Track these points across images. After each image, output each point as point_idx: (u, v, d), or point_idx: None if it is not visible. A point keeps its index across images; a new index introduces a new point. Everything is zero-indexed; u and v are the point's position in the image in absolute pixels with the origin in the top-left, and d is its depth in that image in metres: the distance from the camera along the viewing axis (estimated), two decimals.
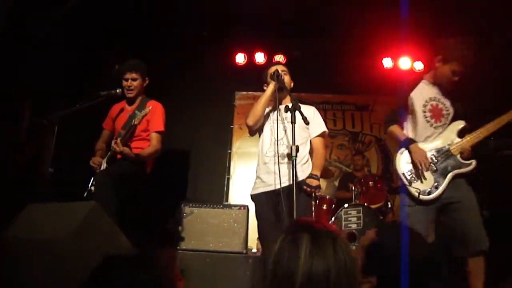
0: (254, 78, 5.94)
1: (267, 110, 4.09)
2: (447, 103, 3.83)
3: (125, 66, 4.50)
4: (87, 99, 4.28)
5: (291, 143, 3.45)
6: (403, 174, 3.74)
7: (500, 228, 5.28)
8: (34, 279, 2.15)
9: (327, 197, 6.50)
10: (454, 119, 3.83)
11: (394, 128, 3.91)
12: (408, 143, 3.74)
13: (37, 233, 2.35)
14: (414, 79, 3.98)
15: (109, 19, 6.35)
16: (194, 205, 5.30)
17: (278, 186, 3.63)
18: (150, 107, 4.23)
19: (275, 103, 3.94)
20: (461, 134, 3.75)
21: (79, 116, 4.24)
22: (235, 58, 8.12)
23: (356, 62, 7.59)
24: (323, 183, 7.51)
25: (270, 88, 3.93)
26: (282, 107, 3.78)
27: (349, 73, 7.54)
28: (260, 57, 8.03)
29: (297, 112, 3.52)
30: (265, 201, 3.76)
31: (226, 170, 7.88)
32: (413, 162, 3.70)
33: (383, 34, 7.05)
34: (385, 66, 7.92)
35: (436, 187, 3.59)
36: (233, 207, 5.32)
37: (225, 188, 7.73)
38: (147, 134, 4.47)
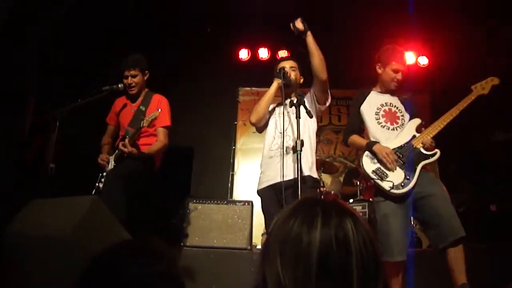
0: (258, 74, 5.94)
1: (273, 105, 4.08)
2: (400, 106, 3.98)
3: (123, 63, 4.44)
4: (89, 94, 4.25)
5: (295, 135, 3.42)
6: (373, 171, 3.73)
7: (509, 221, 5.25)
8: (37, 275, 2.14)
9: (332, 192, 6.49)
10: (411, 117, 3.94)
11: (355, 137, 4.00)
12: (371, 145, 3.79)
13: (39, 229, 2.33)
14: (364, 91, 4.14)
15: (110, 17, 6.33)
16: (198, 201, 5.30)
17: (282, 179, 3.61)
18: (160, 110, 4.18)
19: (282, 99, 3.92)
20: (419, 130, 3.84)
21: (81, 112, 4.22)
22: (238, 54, 8.10)
23: (360, 57, 7.55)
24: (328, 178, 7.48)
25: (273, 86, 3.94)
26: (287, 101, 3.78)
27: (354, 68, 7.50)
28: (263, 53, 8.02)
29: (301, 107, 3.50)
30: (270, 195, 3.74)
31: (230, 166, 7.86)
32: (379, 161, 3.72)
33: (388, 28, 7.02)
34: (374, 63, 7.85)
35: (408, 179, 3.59)
36: (237, 203, 5.30)
37: (229, 184, 7.70)
38: (154, 130, 4.44)
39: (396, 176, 3.63)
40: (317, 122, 4.05)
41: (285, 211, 1.20)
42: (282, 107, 3.91)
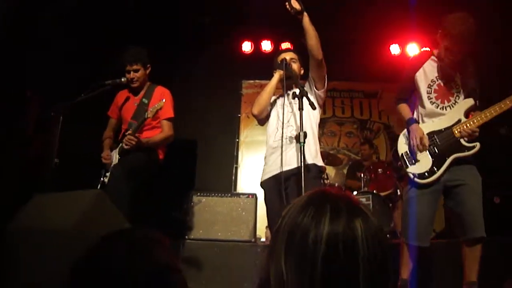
0: (261, 66, 5.92)
1: (274, 97, 4.06)
2: (458, 80, 3.61)
3: (124, 57, 4.42)
4: (92, 89, 4.25)
5: (298, 124, 3.40)
6: (402, 155, 3.64)
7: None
8: (40, 269, 2.15)
9: (336, 185, 6.49)
10: (466, 96, 3.58)
11: (402, 108, 3.82)
12: (409, 123, 3.64)
13: (43, 223, 2.35)
14: (422, 56, 3.81)
15: (110, 13, 6.32)
16: (202, 194, 5.31)
17: (285, 168, 3.60)
18: (164, 100, 4.17)
19: (283, 91, 3.90)
20: (469, 113, 3.53)
21: (84, 106, 4.22)
22: (241, 47, 8.08)
23: (363, 49, 7.54)
24: (331, 171, 7.49)
25: (275, 77, 3.90)
26: (289, 92, 3.78)
27: (357, 60, 7.49)
28: (267, 45, 7.99)
29: (304, 99, 3.49)
30: (273, 187, 3.73)
31: (234, 159, 7.86)
32: (410, 143, 3.59)
33: (391, 20, 6.99)
34: (392, 53, 7.85)
35: (433, 171, 3.45)
36: (241, 196, 5.31)
37: (233, 177, 7.71)
38: (157, 122, 4.44)
39: (423, 164, 3.50)
40: (320, 113, 4.02)
41: (295, 205, 1.15)
42: (283, 98, 3.89)
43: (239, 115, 8.13)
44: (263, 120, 4.03)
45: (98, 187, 4.35)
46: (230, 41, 7.97)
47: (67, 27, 5.56)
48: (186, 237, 5.02)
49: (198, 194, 5.31)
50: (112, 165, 4.32)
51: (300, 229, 1.07)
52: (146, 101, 4.42)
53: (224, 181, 7.61)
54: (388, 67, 7.39)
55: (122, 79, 4.39)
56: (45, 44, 5.23)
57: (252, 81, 8.22)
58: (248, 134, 7.99)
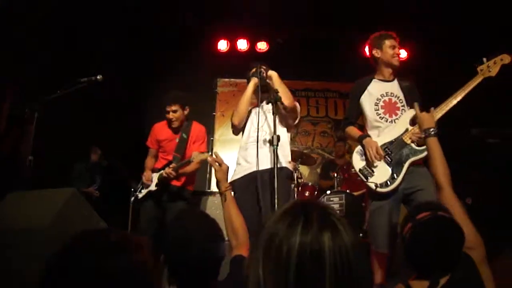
0: (237, 65, 5.94)
1: (250, 107, 4.09)
2: (401, 95, 3.84)
3: (165, 98, 4.74)
4: (67, 86, 4.23)
5: (272, 128, 3.44)
6: (360, 170, 3.73)
7: (483, 215, 5.34)
8: (16, 268, 2.13)
9: (310, 184, 6.53)
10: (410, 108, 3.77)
11: (350, 129, 3.96)
12: (361, 139, 3.76)
13: (18, 222, 2.33)
14: (365, 81, 4.03)
15: (90, 11, 6.27)
16: None
17: (257, 168, 3.61)
18: (210, 153, 4.59)
19: (257, 102, 3.92)
20: (414, 122, 3.67)
21: (59, 103, 4.19)
22: (217, 45, 8.08)
23: (339, 50, 7.60)
24: (305, 170, 7.54)
25: (250, 85, 3.96)
26: (263, 101, 3.89)
27: (332, 60, 7.55)
28: (242, 44, 8.00)
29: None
30: (246, 187, 3.74)
31: None
32: (366, 156, 3.70)
33: (366, 21, 7.06)
34: (367, 54, 7.90)
35: (393, 178, 3.57)
36: (215, 194, 5.31)
37: (208, 176, 7.71)
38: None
39: (382, 174, 3.61)
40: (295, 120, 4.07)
41: (275, 215, 1.20)
42: (258, 108, 3.92)
43: (214, 113, 8.13)
44: (240, 130, 4.08)
45: (132, 199, 4.75)
46: (206, 39, 7.97)
47: (43, 24, 5.51)
48: None
49: None
50: (149, 187, 4.66)
51: (276, 238, 1.12)
52: (185, 136, 4.75)
53: (198, 179, 7.57)
54: (363, 67, 7.44)
55: (98, 77, 4.38)
56: (21, 42, 5.18)
57: (227, 80, 8.24)
58: (222, 132, 8.01)
